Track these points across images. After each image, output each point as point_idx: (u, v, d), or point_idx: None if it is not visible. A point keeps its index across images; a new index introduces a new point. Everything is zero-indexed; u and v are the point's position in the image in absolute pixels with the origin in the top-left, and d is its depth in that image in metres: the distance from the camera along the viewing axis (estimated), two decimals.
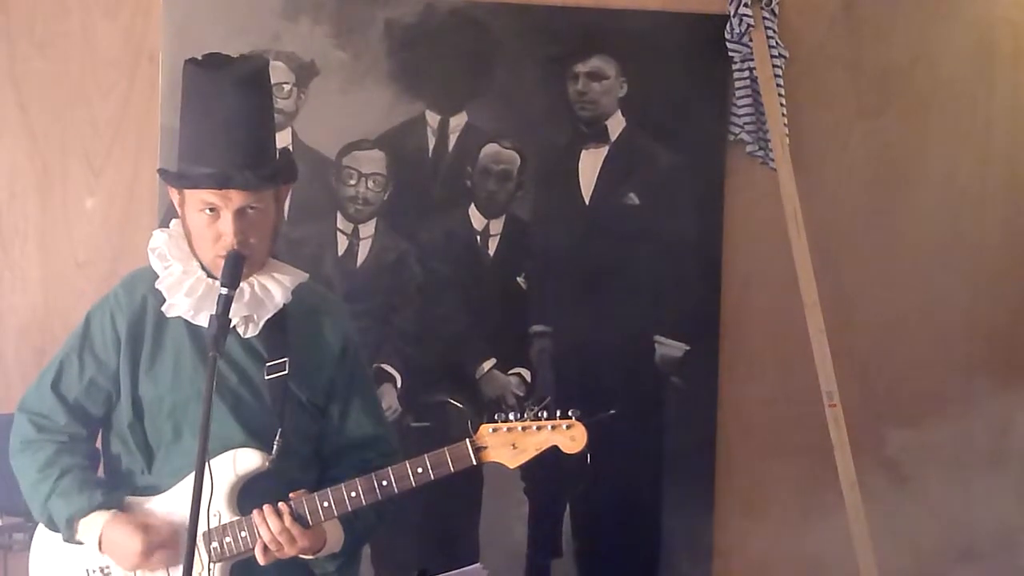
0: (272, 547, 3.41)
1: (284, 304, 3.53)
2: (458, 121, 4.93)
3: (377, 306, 4.89)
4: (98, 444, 3.65)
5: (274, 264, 3.58)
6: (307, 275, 3.65)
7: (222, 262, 3.39)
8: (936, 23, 5.24)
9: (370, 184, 4.88)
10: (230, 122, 3.37)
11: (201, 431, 3.11)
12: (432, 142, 4.92)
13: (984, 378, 5.03)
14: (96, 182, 4.78)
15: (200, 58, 3.46)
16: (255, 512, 3.42)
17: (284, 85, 4.80)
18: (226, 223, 3.39)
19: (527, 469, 3.55)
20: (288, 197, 4.66)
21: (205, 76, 3.42)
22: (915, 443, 4.83)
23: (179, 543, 3.44)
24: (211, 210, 3.40)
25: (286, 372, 3.52)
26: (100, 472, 3.63)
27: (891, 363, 5.22)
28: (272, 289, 3.51)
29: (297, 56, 4.81)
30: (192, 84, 3.45)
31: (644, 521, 5.10)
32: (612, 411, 3.48)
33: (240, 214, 3.40)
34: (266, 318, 3.51)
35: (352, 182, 4.86)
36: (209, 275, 3.48)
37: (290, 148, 4.71)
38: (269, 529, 3.39)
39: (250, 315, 3.48)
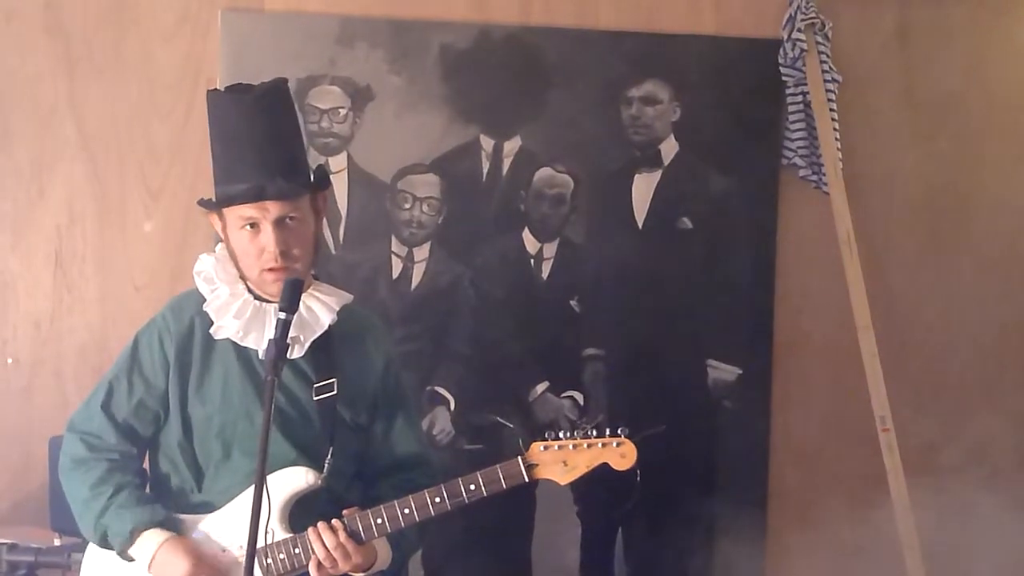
0: (327, 564, 3.45)
1: (329, 325, 3.57)
2: (512, 145, 4.94)
3: (431, 329, 4.91)
4: (144, 464, 3.70)
5: (319, 285, 3.64)
6: (351, 296, 3.69)
7: (268, 277, 3.47)
8: (990, 48, 5.24)
9: (425, 208, 4.90)
10: (257, 139, 3.45)
11: (259, 453, 3.15)
12: (486, 166, 4.94)
13: None
14: (154, 205, 4.82)
15: (221, 89, 3.57)
16: (310, 529, 3.46)
17: (340, 109, 4.84)
18: (267, 235, 3.45)
19: (579, 491, 3.57)
20: (342, 223, 4.77)
21: (227, 101, 3.50)
22: (970, 469, 4.81)
23: (226, 574, 3.50)
24: (251, 225, 3.46)
25: (334, 392, 3.57)
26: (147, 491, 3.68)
27: (945, 388, 5.20)
28: (318, 311, 3.57)
29: (353, 81, 4.85)
30: (216, 111, 3.53)
31: (696, 547, 5.07)
32: (662, 427, 3.50)
33: (279, 224, 3.45)
34: (312, 339, 3.55)
35: (407, 206, 4.89)
36: (256, 297, 3.55)
37: (345, 172, 4.81)
38: (324, 546, 3.44)
39: (297, 336, 3.50)
